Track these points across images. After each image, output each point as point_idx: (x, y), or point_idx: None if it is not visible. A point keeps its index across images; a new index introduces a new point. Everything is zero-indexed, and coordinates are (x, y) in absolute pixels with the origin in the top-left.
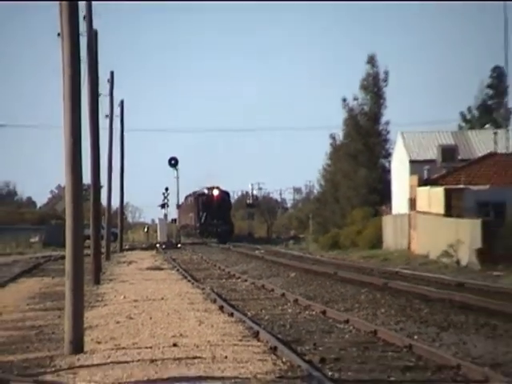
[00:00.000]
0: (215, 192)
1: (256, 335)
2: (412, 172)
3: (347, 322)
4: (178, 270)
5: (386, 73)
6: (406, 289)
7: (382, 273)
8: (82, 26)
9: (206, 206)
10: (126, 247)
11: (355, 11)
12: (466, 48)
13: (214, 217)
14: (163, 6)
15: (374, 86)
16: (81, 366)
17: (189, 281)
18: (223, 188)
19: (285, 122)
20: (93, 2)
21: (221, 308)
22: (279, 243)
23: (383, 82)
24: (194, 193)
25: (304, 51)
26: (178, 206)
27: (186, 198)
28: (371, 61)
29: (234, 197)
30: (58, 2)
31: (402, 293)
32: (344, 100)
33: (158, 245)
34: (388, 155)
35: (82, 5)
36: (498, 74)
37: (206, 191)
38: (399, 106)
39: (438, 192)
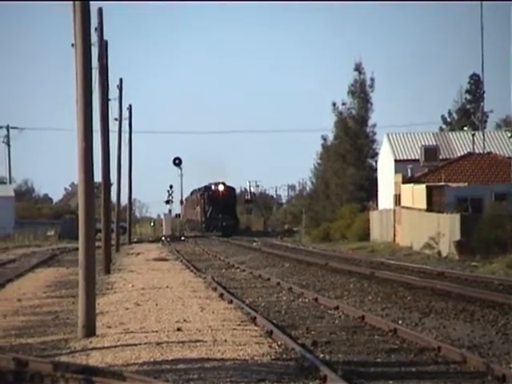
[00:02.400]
0: (221, 187)
1: (253, 320)
2: (397, 170)
3: (337, 308)
4: (181, 260)
5: (372, 79)
6: (392, 278)
7: (369, 263)
8: (94, 37)
9: (212, 200)
10: (134, 240)
11: (343, 19)
12: (447, 56)
13: (220, 211)
14: (169, 7)
15: (361, 92)
16: (93, 349)
17: (191, 271)
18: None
19: (280, 125)
20: (103, 12)
21: (221, 295)
22: (274, 236)
23: (370, 88)
24: (200, 188)
25: (299, 58)
26: (182, 202)
27: (192, 193)
28: (358, 68)
29: None
30: (72, 16)
31: (387, 281)
32: (334, 104)
33: (163, 238)
34: (375, 155)
35: (93, 14)
36: (476, 81)
37: (212, 186)
38: (385, 110)
39: (421, 189)
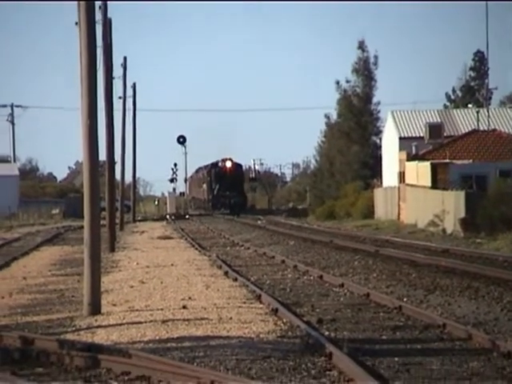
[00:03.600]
0: (228, 164)
1: (258, 298)
2: (401, 148)
3: (342, 285)
4: (186, 238)
5: (376, 57)
6: (396, 255)
7: (373, 241)
8: (98, 15)
9: (219, 177)
10: (139, 218)
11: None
12: (451, 33)
13: (227, 188)
14: None
15: (364, 70)
16: (98, 326)
17: (196, 249)
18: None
19: (284, 103)
20: None
21: (226, 273)
22: (279, 214)
23: (373, 66)
24: (207, 165)
25: (302, 36)
26: (186, 180)
27: (198, 170)
28: (361, 46)
29: None
30: None
31: (392, 259)
32: (337, 83)
33: (167, 216)
34: (379, 132)
35: None
36: (480, 58)
37: (219, 163)
38: (389, 87)
39: (425, 166)
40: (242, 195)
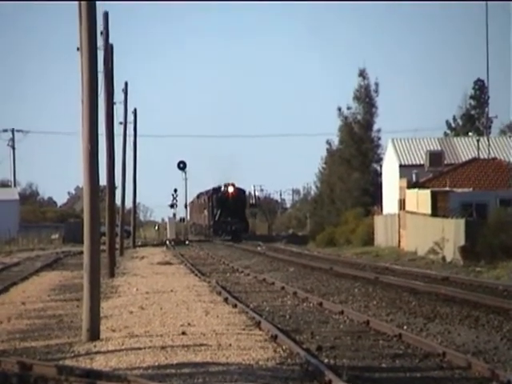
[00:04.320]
0: (230, 189)
1: (258, 325)
2: (401, 175)
3: (342, 313)
4: (185, 264)
5: (377, 84)
6: (396, 283)
7: (373, 268)
8: (99, 41)
9: (221, 203)
10: (139, 244)
11: (347, 24)
12: (451, 61)
13: (229, 214)
14: (174, 14)
15: (365, 97)
16: (97, 352)
17: (196, 275)
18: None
19: (284, 129)
20: (109, 17)
21: (225, 300)
22: (279, 240)
23: (374, 93)
24: (208, 190)
25: (304, 64)
26: (186, 206)
27: (199, 195)
28: (362, 73)
29: None
30: (77, 19)
31: (392, 286)
32: (339, 109)
33: (167, 241)
34: (379, 160)
35: (99, 17)
36: (480, 87)
37: (221, 188)
38: (390, 115)
39: (426, 194)
40: (244, 221)
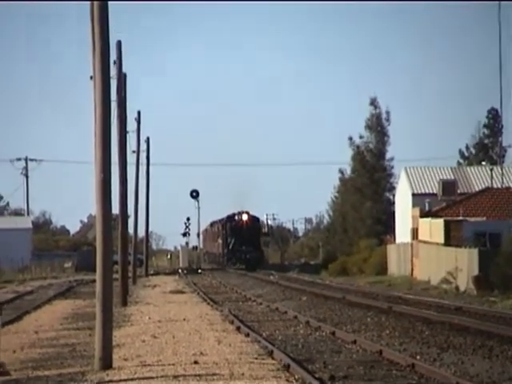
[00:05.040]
0: (244, 217)
1: (270, 354)
2: (414, 204)
3: (355, 342)
4: (198, 293)
5: (388, 113)
6: (409, 312)
7: (386, 297)
8: (112, 70)
9: (235, 231)
10: (151, 272)
11: (359, 54)
12: (464, 90)
13: (243, 243)
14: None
15: (377, 126)
16: (110, 381)
17: (208, 303)
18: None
19: (297, 158)
20: (122, 46)
21: (238, 328)
22: (291, 269)
23: (386, 121)
24: (222, 219)
25: (316, 91)
26: (199, 235)
27: (212, 223)
28: (373, 102)
29: None
30: (91, 48)
31: (405, 316)
32: (350, 139)
33: (180, 270)
34: (392, 188)
35: (112, 47)
36: (494, 115)
37: (235, 216)
38: (403, 144)
39: (439, 223)
40: (259, 250)
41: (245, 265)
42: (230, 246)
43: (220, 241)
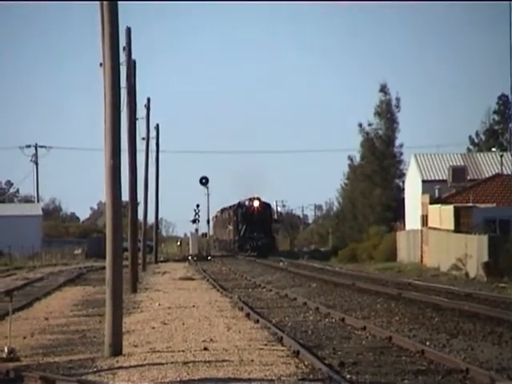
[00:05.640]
0: (256, 203)
1: (280, 340)
2: (424, 191)
3: (364, 328)
4: (207, 280)
5: (398, 99)
6: (419, 298)
7: (396, 284)
8: (122, 57)
9: (246, 217)
10: (161, 259)
11: (370, 40)
12: (475, 77)
13: (255, 229)
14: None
15: (387, 112)
16: (120, 368)
17: (218, 290)
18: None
19: (307, 145)
20: (131, 32)
21: (247, 315)
22: (301, 256)
23: (396, 108)
24: (232, 205)
25: (324, 76)
26: (208, 221)
27: (223, 210)
28: (383, 89)
29: None
30: (100, 35)
31: (414, 302)
32: (360, 125)
33: (189, 257)
34: (402, 175)
35: (121, 33)
36: (504, 102)
37: (245, 202)
38: (413, 131)
39: (449, 210)
40: (270, 237)
41: (256, 252)
42: (241, 233)
43: (231, 227)
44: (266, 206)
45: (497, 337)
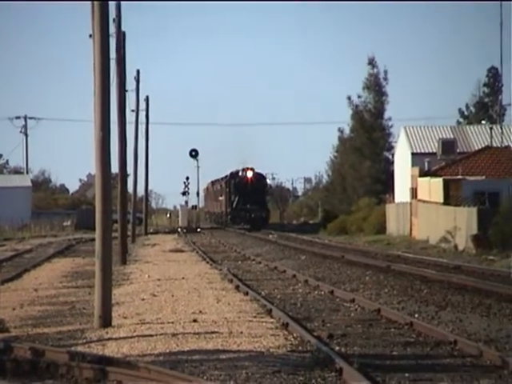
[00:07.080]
0: (249, 174)
1: (269, 312)
2: (413, 164)
3: (353, 301)
4: (197, 252)
5: (386, 72)
6: (408, 271)
7: (385, 256)
8: (112, 28)
9: (239, 188)
10: (150, 231)
11: (358, 12)
12: (465, 49)
13: (248, 201)
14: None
15: (375, 85)
16: (109, 339)
17: (207, 262)
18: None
19: (296, 117)
20: (122, 4)
21: (237, 287)
22: (290, 229)
23: (384, 81)
24: (224, 176)
25: (313, 50)
26: (198, 194)
27: (214, 182)
28: (371, 62)
29: None
30: (89, 4)
31: (403, 274)
32: (349, 98)
33: (179, 229)
34: (391, 148)
35: (111, 6)
36: (494, 74)
37: (238, 172)
38: (402, 103)
39: (438, 182)
40: (265, 209)
41: (250, 224)
42: (234, 205)
43: (222, 199)
44: (260, 177)
45: (485, 309)
